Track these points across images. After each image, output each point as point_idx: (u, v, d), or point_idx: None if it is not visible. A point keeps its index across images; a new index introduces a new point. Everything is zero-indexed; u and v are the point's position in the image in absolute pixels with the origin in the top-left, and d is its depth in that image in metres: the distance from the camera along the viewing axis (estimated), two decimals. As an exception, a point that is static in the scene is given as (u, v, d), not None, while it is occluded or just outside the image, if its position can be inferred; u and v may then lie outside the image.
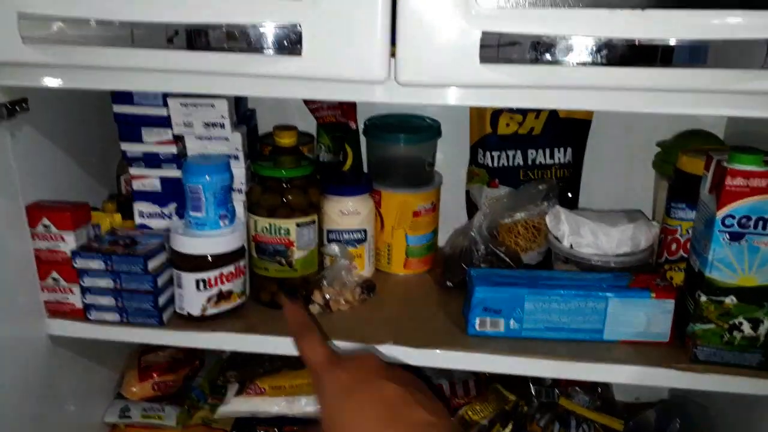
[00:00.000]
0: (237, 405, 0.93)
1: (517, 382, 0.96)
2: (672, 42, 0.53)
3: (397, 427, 0.44)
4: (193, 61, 0.59)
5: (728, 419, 0.85)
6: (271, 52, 0.57)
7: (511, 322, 0.73)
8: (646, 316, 0.72)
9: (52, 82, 0.66)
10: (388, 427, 0.44)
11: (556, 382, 0.96)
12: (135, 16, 0.58)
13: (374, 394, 0.47)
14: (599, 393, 0.95)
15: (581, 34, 0.54)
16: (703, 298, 0.67)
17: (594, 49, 0.54)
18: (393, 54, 0.57)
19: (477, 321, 0.73)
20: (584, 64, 0.54)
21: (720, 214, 0.64)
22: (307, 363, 0.52)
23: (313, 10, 0.56)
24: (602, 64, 0.54)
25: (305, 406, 0.93)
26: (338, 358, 0.51)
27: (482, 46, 0.55)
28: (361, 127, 0.94)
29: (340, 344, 0.74)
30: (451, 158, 0.96)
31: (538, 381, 0.96)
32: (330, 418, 0.48)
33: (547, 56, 0.54)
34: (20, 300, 0.74)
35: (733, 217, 0.64)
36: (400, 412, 0.45)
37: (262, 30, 0.56)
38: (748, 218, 0.64)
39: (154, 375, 0.97)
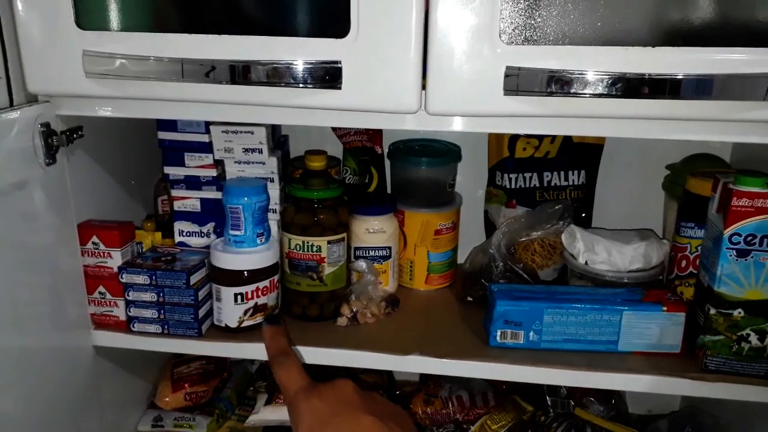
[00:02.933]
0: (266, 414, 0.97)
1: (533, 394, 1.00)
2: (680, 76, 0.58)
3: None
4: (241, 95, 0.65)
5: (737, 429, 0.88)
6: (313, 86, 0.62)
7: (531, 333, 0.77)
8: (658, 328, 0.76)
9: (107, 111, 0.72)
10: None
11: (571, 394, 0.99)
12: (186, 54, 0.63)
13: (350, 426, 0.45)
14: (613, 404, 0.99)
15: (596, 69, 0.59)
16: (713, 311, 0.72)
17: (608, 82, 0.59)
18: (423, 86, 0.63)
19: (498, 333, 0.78)
20: (599, 95, 0.59)
21: (727, 232, 0.69)
22: (283, 389, 0.51)
23: (353, 48, 0.61)
24: (616, 96, 0.59)
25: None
26: (315, 386, 0.49)
27: (506, 80, 0.60)
28: (385, 151, 0.99)
29: (369, 354, 0.78)
30: (470, 180, 1.02)
31: (553, 392, 1.00)
32: None
33: (565, 89, 0.59)
34: (69, 312, 0.78)
35: (740, 235, 0.68)
36: None
37: (305, 66, 0.61)
38: (754, 236, 0.68)
39: (186, 386, 1.01)
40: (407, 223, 0.94)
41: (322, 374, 0.52)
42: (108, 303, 0.81)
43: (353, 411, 0.46)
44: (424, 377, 1.07)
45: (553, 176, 0.94)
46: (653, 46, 0.59)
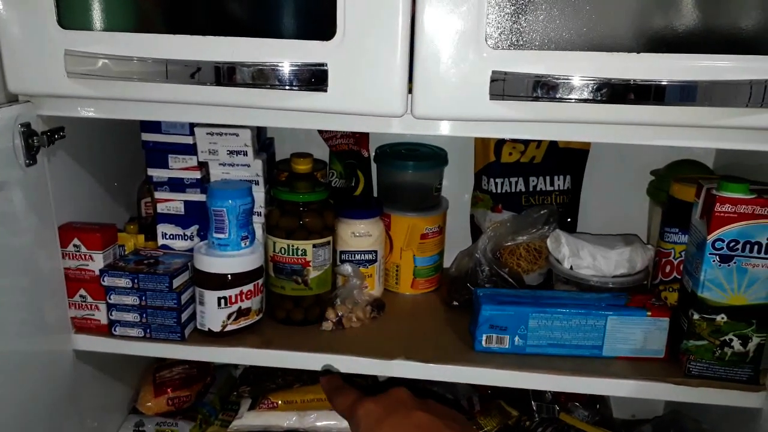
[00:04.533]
0: (250, 419, 0.96)
1: (518, 399, 1.00)
2: (664, 82, 0.58)
3: None
4: (226, 96, 0.64)
5: (720, 433, 0.89)
6: (298, 88, 0.62)
7: (516, 338, 0.77)
8: (642, 333, 0.76)
9: (89, 112, 0.71)
10: None
11: (556, 399, 1.00)
12: (171, 54, 0.63)
13: (405, 420, 0.48)
14: (598, 408, 0.99)
15: (581, 74, 0.59)
16: (696, 316, 0.72)
17: (593, 88, 0.59)
18: (410, 90, 0.63)
19: (484, 337, 0.78)
20: (584, 101, 0.59)
21: (710, 237, 0.69)
22: (344, 411, 0.54)
23: (339, 51, 0.61)
24: (601, 102, 0.59)
25: (315, 420, 0.96)
26: (370, 396, 0.53)
27: (492, 84, 0.60)
28: (372, 154, 0.99)
29: (354, 359, 0.78)
30: (456, 184, 1.02)
31: (538, 397, 1.00)
32: None
33: (551, 94, 0.60)
34: (49, 316, 0.77)
35: (723, 241, 0.69)
36: None
37: (291, 68, 0.61)
38: (737, 242, 0.69)
39: (169, 391, 1.00)
40: (393, 227, 0.94)
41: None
42: (89, 306, 0.80)
43: (407, 410, 0.48)
44: (409, 382, 1.06)
45: (538, 181, 0.95)
46: (638, 52, 0.59)
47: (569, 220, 0.98)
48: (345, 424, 0.96)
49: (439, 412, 0.49)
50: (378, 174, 0.99)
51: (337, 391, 0.57)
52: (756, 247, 0.68)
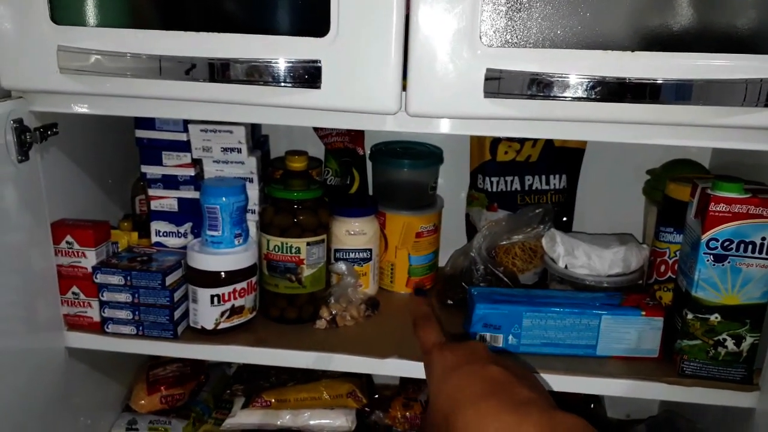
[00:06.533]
0: (243, 417, 0.96)
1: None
2: (660, 81, 0.58)
3: (500, 398, 0.45)
4: (219, 93, 0.64)
5: (714, 433, 0.89)
6: (292, 85, 0.61)
7: (510, 337, 0.77)
8: (636, 332, 0.76)
9: (83, 108, 0.70)
10: (490, 398, 0.45)
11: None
12: (165, 51, 0.62)
13: (479, 372, 0.48)
14: (592, 408, 0.99)
15: (577, 72, 0.59)
16: (690, 316, 0.72)
17: (588, 86, 0.59)
18: (404, 87, 0.62)
19: (477, 336, 0.77)
20: (579, 99, 0.59)
21: (705, 237, 0.69)
22: (421, 345, 0.55)
23: (332, 47, 0.61)
24: (596, 100, 0.59)
25: (309, 419, 0.96)
26: (449, 343, 0.54)
27: (486, 82, 0.60)
28: (367, 152, 0.98)
29: (347, 357, 0.77)
30: (452, 183, 1.01)
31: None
32: (436, 393, 0.49)
33: (546, 92, 0.59)
34: (41, 313, 0.77)
35: (717, 241, 0.69)
36: (503, 388, 0.46)
37: (284, 65, 0.61)
38: (731, 241, 0.69)
39: (162, 389, 0.99)
40: (388, 226, 0.93)
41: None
42: (81, 303, 0.80)
43: (482, 362, 0.49)
44: (404, 381, 1.06)
45: (534, 180, 0.94)
46: (633, 51, 0.59)
47: (565, 219, 0.98)
48: (338, 422, 0.97)
49: (514, 369, 0.49)
50: (373, 172, 0.99)
51: (422, 320, 0.58)
52: (750, 246, 0.68)
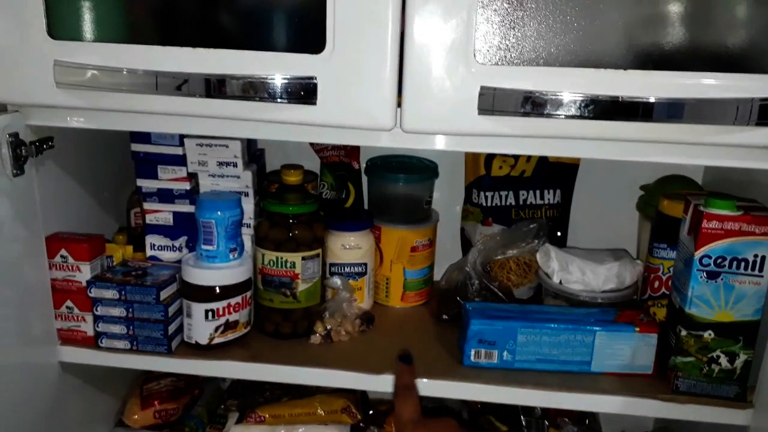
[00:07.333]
0: (237, 433, 0.96)
1: (508, 414, 0.99)
2: (652, 100, 0.59)
3: None
4: (215, 108, 0.64)
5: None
6: (288, 101, 0.62)
7: (505, 353, 0.77)
8: (630, 349, 0.76)
9: (78, 122, 0.71)
10: None
11: (546, 414, 0.99)
12: (161, 66, 0.63)
13: None
14: (587, 424, 0.99)
15: (570, 90, 0.59)
16: (684, 333, 0.72)
17: (581, 104, 0.59)
18: (399, 104, 0.63)
19: (472, 352, 0.77)
20: (572, 117, 0.60)
21: (698, 254, 0.69)
22: (397, 418, 0.59)
23: (328, 65, 0.61)
24: (589, 118, 0.60)
25: (303, 435, 0.95)
26: (423, 420, 0.58)
27: (480, 99, 0.61)
28: (363, 166, 0.99)
29: (341, 373, 0.77)
30: (447, 197, 1.02)
31: (528, 412, 0.99)
32: None
33: (539, 110, 0.60)
34: (34, 327, 0.76)
35: (710, 257, 0.69)
36: None
37: (280, 81, 0.61)
38: (724, 258, 0.69)
39: (156, 403, 0.99)
40: (383, 240, 0.93)
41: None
42: (75, 318, 0.80)
43: None
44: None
45: (528, 195, 0.95)
46: (626, 69, 0.59)
47: (559, 234, 0.98)
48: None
49: None
50: (369, 186, 0.99)
51: (403, 391, 0.62)
52: (743, 263, 0.68)
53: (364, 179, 1.00)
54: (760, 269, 0.68)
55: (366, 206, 1.01)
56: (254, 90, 0.62)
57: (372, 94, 0.62)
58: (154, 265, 0.83)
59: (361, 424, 0.97)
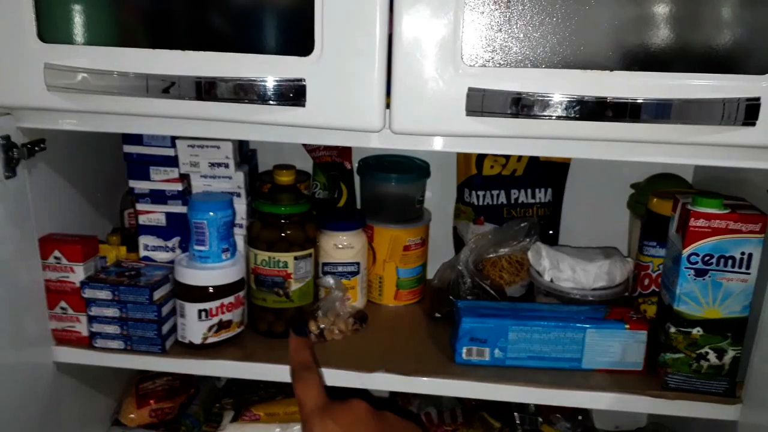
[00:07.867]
0: (232, 431, 0.96)
1: (501, 411, 1.00)
2: (640, 100, 0.59)
3: None
4: (205, 110, 0.65)
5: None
6: (278, 103, 0.62)
7: (496, 351, 0.78)
8: (621, 346, 0.77)
9: (70, 125, 0.71)
10: None
11: (539, 410, 1.00)
12: (151, 69, 0.63)
13: None
14: (580, 420, 0.99)
15: (558, 91, 0.60)
16: (673, 330, 0.73)
17: (569, 105, 0.60)
18: (388, 105, 0.63)
19: (464, 350, 0.78)
20: (560, 118, 0.60)
21: (686, 252, 0.70)
22: (300, 405, 0.52)
23: (317, 67, 0.61)
24: (577, 119, 0.60)
25: (298, 432, 0.96)
26: (331, 407, 0.51)
27: (468, 101, 0.61)
28: (355, 166, 0.99)
29: (335, 372, 0.78)
30: (439, 196, 1.02)
31: (521, 409, 1.00)
32: None
33: (527, 111, 0.60)
34: (29, 328, 0.77)
35: (698, 255, 0.70)
36: None
37: (270, 83, 0.61)
38: (711, 256, 0.69)
39: (151, 402, 0.99)
40: (376, 239, 0.94)
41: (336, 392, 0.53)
42: (70, 318, 0.80)
43: (365, 428, 0.48)
44: (393, 393, 1.06)
45: (520, 194, 0.95)
46: (612, 70, 0.60)
47: (551, 232, 0.98)
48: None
49: (397, 427, 0.49)
50: (361, 186, 1.00)
51: (301, 372, 0.53)
52: (730, 261, 0.69)
53: (357, 179, 1.00)
54: (747, 267, 0.69)
55: (358, 206, 1.02)
56: (244, 92, 0.62)
57: (361, 95, 0.62)
58: (147, 266, 0.84)
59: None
